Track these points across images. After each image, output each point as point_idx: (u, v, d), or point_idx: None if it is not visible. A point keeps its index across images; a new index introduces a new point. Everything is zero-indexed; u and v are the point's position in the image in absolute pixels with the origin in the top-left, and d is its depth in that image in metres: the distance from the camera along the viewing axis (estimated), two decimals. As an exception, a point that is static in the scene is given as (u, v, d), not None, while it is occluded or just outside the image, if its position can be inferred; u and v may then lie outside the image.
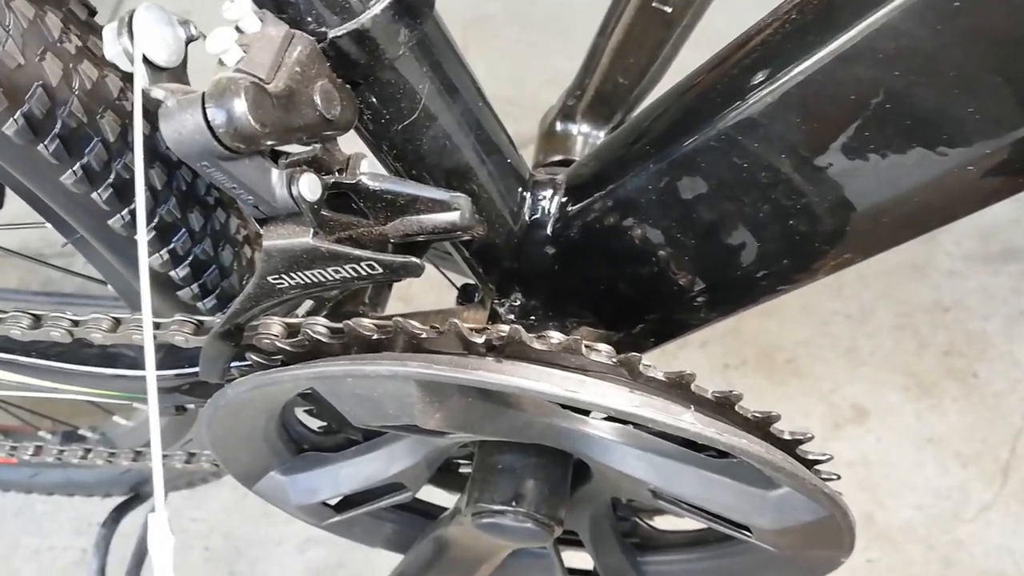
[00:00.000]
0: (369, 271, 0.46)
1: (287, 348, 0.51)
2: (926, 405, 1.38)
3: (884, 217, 0.49)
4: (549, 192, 0.57)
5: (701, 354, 1.45)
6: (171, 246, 0.63)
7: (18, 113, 0.52)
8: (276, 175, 0.42)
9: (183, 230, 0.63)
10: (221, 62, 0.41)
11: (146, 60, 0.42)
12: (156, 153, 0.61)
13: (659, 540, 0.71)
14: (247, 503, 1.40)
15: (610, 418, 0.56)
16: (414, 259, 0.46)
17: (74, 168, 0.56)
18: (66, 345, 0.65)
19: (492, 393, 0.51)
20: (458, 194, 0.46)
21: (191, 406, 0.73)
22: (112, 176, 0.57)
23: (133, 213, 0.59)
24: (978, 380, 1.40)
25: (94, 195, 0.57)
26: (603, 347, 0.46)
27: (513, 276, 0.60)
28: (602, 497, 0.63)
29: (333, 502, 0.68)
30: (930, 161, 0.44)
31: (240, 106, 0.38)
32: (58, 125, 0.54)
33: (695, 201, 0.50)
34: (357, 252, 0.45)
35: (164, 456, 0.88)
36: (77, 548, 1.39)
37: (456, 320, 0.46)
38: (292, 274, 0.46)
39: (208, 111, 0.38)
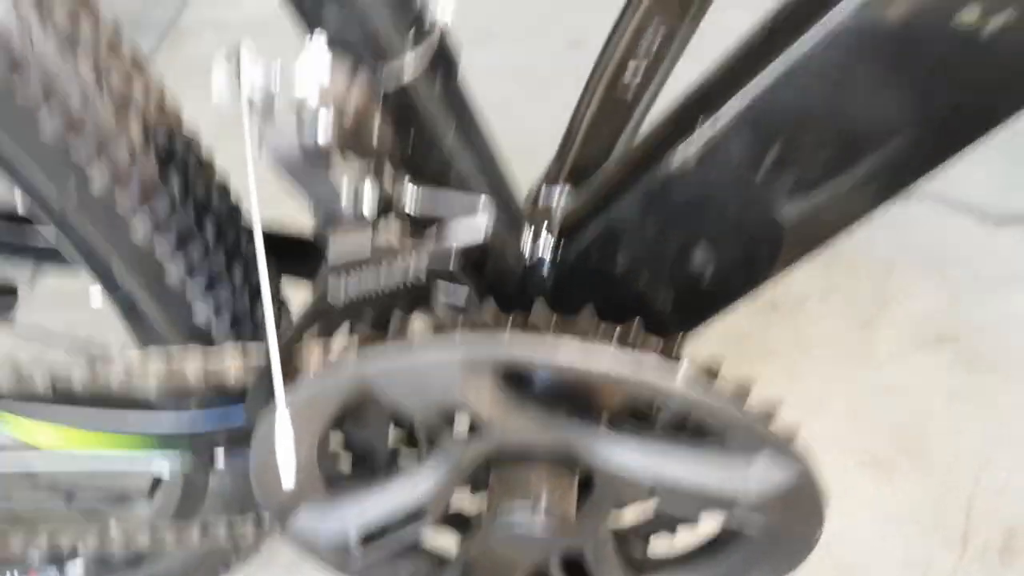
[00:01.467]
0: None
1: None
2: (884, 480, 1.47)
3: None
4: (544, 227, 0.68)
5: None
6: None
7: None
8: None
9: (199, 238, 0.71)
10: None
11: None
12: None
13: (654, 563, 0.77)
14: None
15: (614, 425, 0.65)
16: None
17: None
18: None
19: (515, 381, 0.61)
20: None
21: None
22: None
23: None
24: (928, 452, 1.50)
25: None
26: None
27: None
28: (604, 510, 0.71)
29: (356, 541, 0.74)
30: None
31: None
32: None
33: (673, 218, 0.62)
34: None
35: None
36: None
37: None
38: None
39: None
